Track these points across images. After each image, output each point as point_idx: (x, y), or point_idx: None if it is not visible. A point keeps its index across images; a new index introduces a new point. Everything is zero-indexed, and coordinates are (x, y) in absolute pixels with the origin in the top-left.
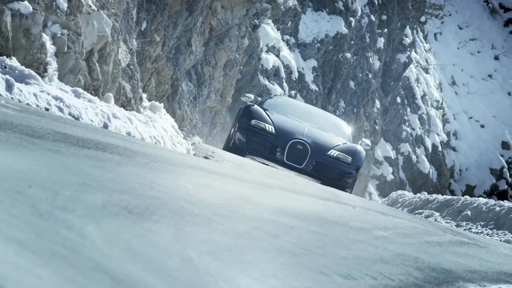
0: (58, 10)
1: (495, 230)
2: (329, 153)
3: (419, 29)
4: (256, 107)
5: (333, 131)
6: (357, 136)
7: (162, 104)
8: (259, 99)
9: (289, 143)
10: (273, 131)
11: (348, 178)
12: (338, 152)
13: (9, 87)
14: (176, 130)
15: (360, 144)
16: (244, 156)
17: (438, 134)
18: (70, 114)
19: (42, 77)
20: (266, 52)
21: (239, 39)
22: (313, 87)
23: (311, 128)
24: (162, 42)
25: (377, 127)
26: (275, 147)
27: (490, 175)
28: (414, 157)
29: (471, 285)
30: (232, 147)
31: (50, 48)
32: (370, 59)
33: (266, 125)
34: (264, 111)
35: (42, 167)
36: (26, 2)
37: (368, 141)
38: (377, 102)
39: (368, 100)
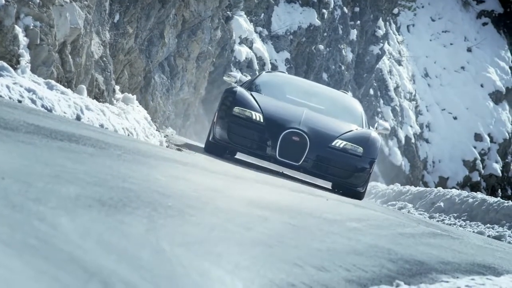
0: (30, 2)
1: (468, 222)
2: (334, 144)
3: (392, 21)
4: (240, 90)
5: (340, 114)
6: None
7: (135, 96)
8: (248, 78)
9: (282, 134)
10: (262, 120)
11: (360, 175)
12: (345, 142)
13: None
14: (149, 122)
15: (376, 129)
16: (223, 155)
17: (411, 126)
18: (43, 106)
19: (15, 69)
20: (239, 44)
21: (212, 31)
22: None
23: (311, 113)
24: (135, 34)
25: None
26: (265, 140)
27: (463, 166)
28: (386, 149)
29: (444, 276)
30: (211, 143)
31: (23, 40)
32: (343, 51)
33: (253, 112)
34: (251, 94)
35: (15, 159)
36: None
37: (386, 124)
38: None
39: None
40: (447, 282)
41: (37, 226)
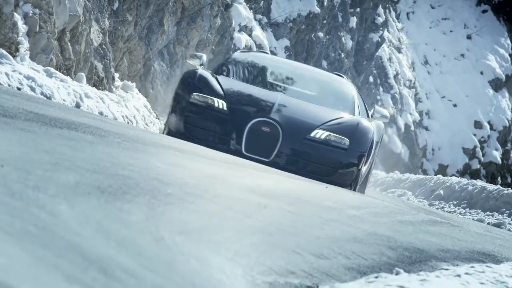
0: None
1: (467, 209)
2: (313, 135)
3: (391, 8)
4: (201, 72)
5: (329, 100)
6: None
7: (134, 84)
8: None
9: (249, 125)
10: (225, 108)
11: (346, 172)
12: (328, 133)
13: None
14: (149, 109)
15: (372, 116)
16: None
17: (410, 114)
18: (42, 93)
19: (14, 56)
20: (239, 32)
21: (211, 19)
22: None
23: (287, 99)
24: (134, 22)
25: None
26: (228, 132)
27: (463, 154)
28: (386, 137)
29: (444, 264)
30: (167, 135)
31: (22, 27)
32: (343, 39)
33: (215, 99)
34: (215, 78)
35: (14, 146)
36: None
37: (385, 111)
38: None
39: None
40: (446, 269)
41: (37, 214)
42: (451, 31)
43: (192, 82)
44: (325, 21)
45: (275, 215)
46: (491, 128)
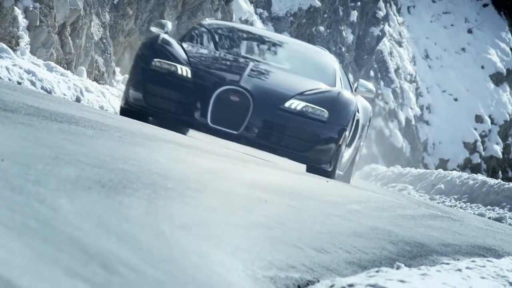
0: None
1: (468, 204)
2: (287, 105)
3: (392, 2)
4: (163, 37)
5: (306, 72)
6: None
7: None
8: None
9: (216, 93)
10: (189, 75)
11: (325, 147)
12: (304, 104)
13: None
14: None
15: (356, 90)
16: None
17: (411, 108)
18: (42, 88)
19: (14, 50)
20: None
21: (212, 13)
22: None
23: (258, 67)
24: (135, 16)
25: None
26: (193, 102)
27: (464, 148)
28: (387, 131)
29: (445, 258)
30: (126, 110)
31: (22, 21)
32: (344, 33)
33: (178, 66)
34: (180, 45)
35: (14, 141)
36: None
37: (370, 85)
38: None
39: None
40: (447, 264)
41: (37, 208)
42: (452, 25)
43: (153, 47)
44: (326, 15)
45: (276, 210)
46: (492, 122)
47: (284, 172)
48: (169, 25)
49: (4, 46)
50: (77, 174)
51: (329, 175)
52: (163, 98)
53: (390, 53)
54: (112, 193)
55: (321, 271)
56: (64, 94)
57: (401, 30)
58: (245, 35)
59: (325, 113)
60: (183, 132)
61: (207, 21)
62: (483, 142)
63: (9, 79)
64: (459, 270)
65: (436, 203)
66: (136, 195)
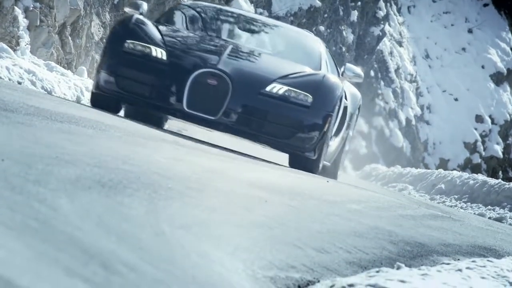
0: None
1: (469, 204)
2: (268, 89)
3: (392, 2)
4: (137, 17)
5: (290, 55)
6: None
7: None
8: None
9: (193, 76)
10: (164, 57)
11: (308, 135)
12: (286, 88)
13: None
14: None
15: (342, 75)
16: (118, 111)
17: (411, 108)
18: (43, 87)
19: (15, 50)
20: None
21: None
22: None
23: (238, 49)
24: None
25: None
26: (168, 86)
27: (464, 148)
28: (387, 131)
29: (445, 258)
30: (97, 95)
31: (23, 21)
32: (344, 33)
33: (153, 47)
34: (156, 26)
35: (14, 140)
36: None
37: (357, 69)
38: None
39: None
40: (448, 264)
41: (37, 208)
42: (452, 25)
43: (126, 28)
44: (326, 15)
45: (276, 209)
46: (492, 122)
47: (284, 171)
48: (145, 5)
49: (4, 46)
50: (77, 174)
51: (313, 164)
52: (136, 82)
53: (391, 53)
54: (112, 193)
55: (321, 271)
56: (65, 94)
57: (401, 30)
58: (226, 17)
59: (309, 98)
60: (160, 124)
61: (186, 1)
62: (483, 142)
63: (9, 79)
64: (460, 270)
65: (436, 203)
66: (136, 195)
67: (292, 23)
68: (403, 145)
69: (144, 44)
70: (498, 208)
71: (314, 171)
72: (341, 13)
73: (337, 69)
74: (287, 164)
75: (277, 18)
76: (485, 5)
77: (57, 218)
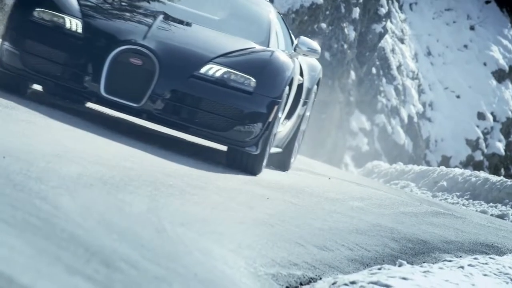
0: None
1: (471, 201)
2: (203, 71)
3: None
4: None
5: (229, 24)
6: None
7: None
8: None
9: (112, 54)
10: (80, 30)
11: (250, 126)
12: (225, 69)
13: None
14: None
15: (296, 49)
16: (25, 92)
17: (413, 105)
18: None
19: None
20: None
21: None
22: None
23: (170, 21)
24: None
25: (352, 99)
26: (83, 64)
27: (466, 145)
28: (389, 128)
29: (447, 255)
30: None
31: None
32: (345, 30)
33: (67, 17)
34: None
35: (15, 138)
36: None
37: (314, 43)
38: (352, 73)
39: (343, 71)
40: (450, 261)
41: (39, 205)
42: (454, 22)
43: None
44: (327, 12)
45: (278, 207)
46: (494, 120)
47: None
48: None
49: None
50: (79, 172)
51: (255, 161)
52: (45, 59)
53: (392, 50)
54: (114, 190)
55: (323, 269)
56: None
57: (403, 27)
58: None
59: (252, 82)
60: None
61: None
62: (485, 139)
63: None
64: (462, 267)
65: (438, 200)
66: (137, 192)
67: (293, 20)
68: (405, 142)
69: (56, 13)
70: (500, 205)
71: (256, 170)
72: (343, 10)
73: (291, 41)
74: None
75: None
76: (487, 2)
77: (58, 215)
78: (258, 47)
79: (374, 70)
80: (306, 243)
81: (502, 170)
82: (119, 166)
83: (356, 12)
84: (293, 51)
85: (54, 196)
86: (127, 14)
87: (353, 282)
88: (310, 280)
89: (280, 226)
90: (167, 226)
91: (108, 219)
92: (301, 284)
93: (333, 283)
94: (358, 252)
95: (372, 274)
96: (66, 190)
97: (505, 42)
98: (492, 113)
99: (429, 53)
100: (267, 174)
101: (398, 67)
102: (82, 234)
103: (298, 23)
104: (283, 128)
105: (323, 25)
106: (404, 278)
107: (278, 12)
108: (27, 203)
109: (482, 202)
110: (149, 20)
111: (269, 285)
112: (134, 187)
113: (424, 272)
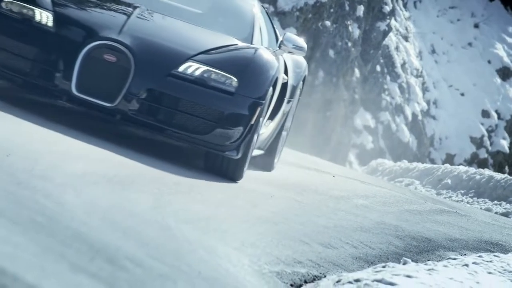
0: None
1: (475, 198)
2: (182, 69)
3: None
4: None
5: (210, 20)
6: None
7: None
8: None
9: (85, 50)
10: (50, 23)
11: (229, 129)
12: (205, 67)
13: None
14: None
15: (281, 47)
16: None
17: (418, 103)
18: None
19: None
20: None
21: None
22: None
23: (145, 15)
24: None
25: (356, 96)
26: (53, 60)
27: (470, 143)
28: (393, 126)
29: (452, 253)
30: None
31: None
32: (350, 28)
33: (37, 9)
34: None
35: (20, 136)
36: None
37: (300, 40)
38: (357, 71)
39: (347, 69)
40: (454, 259)
41: (43, 203)
42: (458, 20)
43: None
44: (332, 10)
45: (282, 205)
46: (499, 117)
47: (289, 166)
48: None
49: None
50: (84, 169)
51: (236, 166)
52: (13, 54)
53: (397, 48)
54: (119, 188)
55: (327, 266)
56: None
57: (407, 24)
58: None
59: (233, 81)
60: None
61: None
62: (489, 137)
63: None
64: (466, 265)
65: (442, 198)
66: (142, 190)
67: (298, 18)
68: (409, 140)
69: (26, 4)
70: (504, 203)
71: (236, 176)
72: (347, 8)
73: (276, 37)
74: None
75: (283, 13)
76: (491, 0)
77: (63, 213)
78: (240, 43)
79: (378, 68)
80: (311, 241)
81: (507, 168)
82: (123, 163)
83: (361, 10)
84: (277, 48)
85: (58, 193)
86: (102, 7)
87: (357, 280)
88: (315, 278)
89: (284, 224)
90: (172, 224)
91: (112, 217)
92: (305, 282)
93: (338, 281)
94: (363, 250)
95: (376, 272)
96: (71, 187)
97: (510, 40)
98: (496, 111)
99: (433, 51)
100: (272, 172)
101: (403, 65)
102: (86, 231)
103: (303, 20)
104: (266, 130)
105: (327, 23)
106: (408, 276)
107: (262, 6)
108: (32, 201)
109: (487, 200)
110: (125, 14)
111: (274, 283)
112: (139, 185)
113: (429, 270)
